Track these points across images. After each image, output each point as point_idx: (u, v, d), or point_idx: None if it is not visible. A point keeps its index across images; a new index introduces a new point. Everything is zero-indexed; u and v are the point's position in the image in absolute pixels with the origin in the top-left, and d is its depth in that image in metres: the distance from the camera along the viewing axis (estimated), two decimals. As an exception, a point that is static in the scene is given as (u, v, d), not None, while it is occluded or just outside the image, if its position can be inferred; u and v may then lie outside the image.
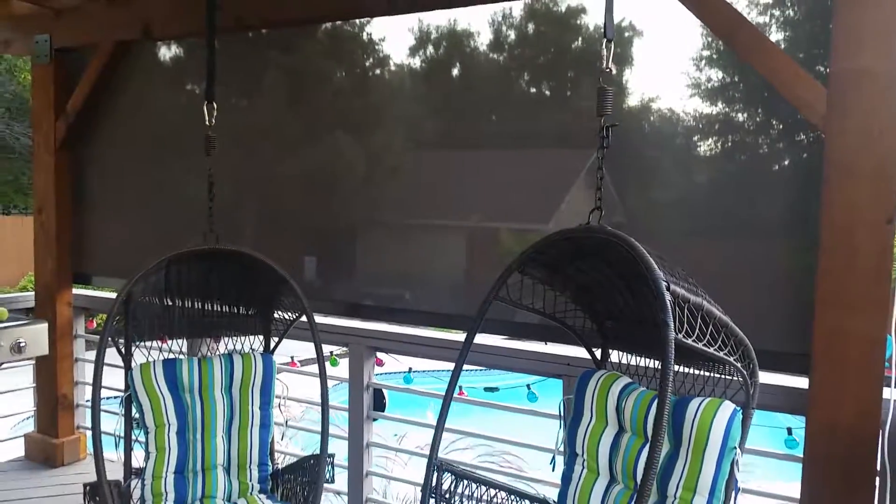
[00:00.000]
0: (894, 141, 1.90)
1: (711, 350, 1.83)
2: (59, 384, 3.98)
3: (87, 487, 2.35)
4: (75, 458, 4.05)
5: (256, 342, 2.90)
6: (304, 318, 2.68)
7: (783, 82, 2.07)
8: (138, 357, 2.71)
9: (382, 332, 3.13)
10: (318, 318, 3.17)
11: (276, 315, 2.89)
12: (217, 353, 2.92)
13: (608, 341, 2.41)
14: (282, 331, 2.88)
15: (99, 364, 2.46)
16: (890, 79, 1.91)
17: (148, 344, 2.77)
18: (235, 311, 2.96)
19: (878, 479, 2.03)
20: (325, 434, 2.51)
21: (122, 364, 3.64)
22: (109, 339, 2.51)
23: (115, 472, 2.45)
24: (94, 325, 4.50)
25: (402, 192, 3.07)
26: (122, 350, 2.67)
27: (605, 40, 1.88)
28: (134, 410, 2.63)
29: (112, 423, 2.67)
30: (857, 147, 1.94)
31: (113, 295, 3.33)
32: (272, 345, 2.91)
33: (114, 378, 3.41)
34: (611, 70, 1.90)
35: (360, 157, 3.14)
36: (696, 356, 2.08)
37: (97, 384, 2.43)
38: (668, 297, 1.61)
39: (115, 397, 2.73)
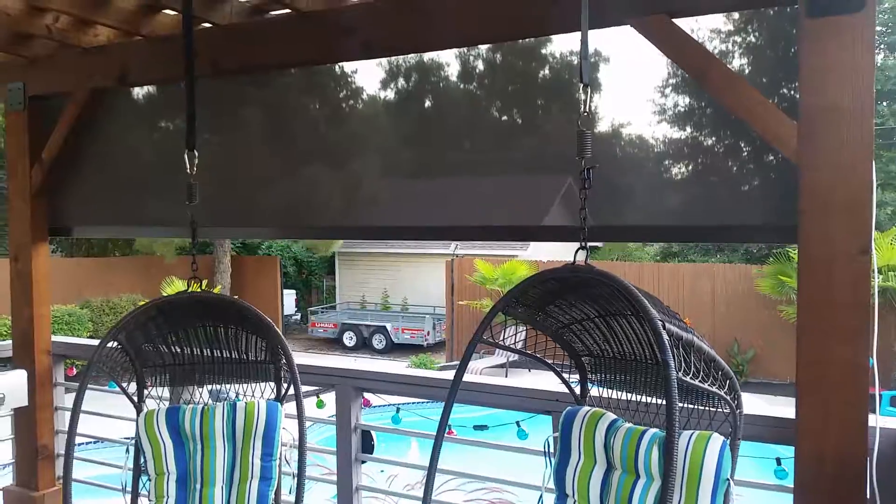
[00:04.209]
0: (867, 173, 1.95)
1: (705, 385, 1.86)
2: (38, 434, 3.89)
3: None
4: (57, 511, 3.96)
5: (267, 389, 2.85)
6: (302, 362, 2.66)
7: (756, 119, 2.12)
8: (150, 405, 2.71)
9: (369, 373, 3.12)
10: (305, 360, 3.16)
11: (283, 361, 2.82)
12: (225, 399, 2.88)
13: (587, 377, 2.43)
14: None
15: (76, 413, 2.46)
16: (859, 112, 1.96)
17: (158, 392, 2.76)
18: (245, 357, 2.91)
19: (867, 506, 2.05)
20: (300, 486, 2.45)
21: (103, 412, 3.63)
22: (119, 387, 2.52)
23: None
24: (75, 372, 4.42)
25: (380, 222, 3.08)
26: (135, 398, 2.66)
27: (581, 85, 1.92)
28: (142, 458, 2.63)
29: (108, 470, 2.65)
30: (832, 181, 1.98)
31: (96, 342, 3.30)
32: (283, 391, 2.82)
33: (107, 426, 3.38)
34: (588, 114, 1.93)
35: (336, 188, 3.15)
36: (683, 390, 2.10)
37: (72, 433, 2.43)
38: (666, 336, 1.63)
39: (117, 445, 2.71)
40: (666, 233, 2.67)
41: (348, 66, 3.13)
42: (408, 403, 3.52)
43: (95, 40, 3.37)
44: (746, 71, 2.34)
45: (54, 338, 3.96)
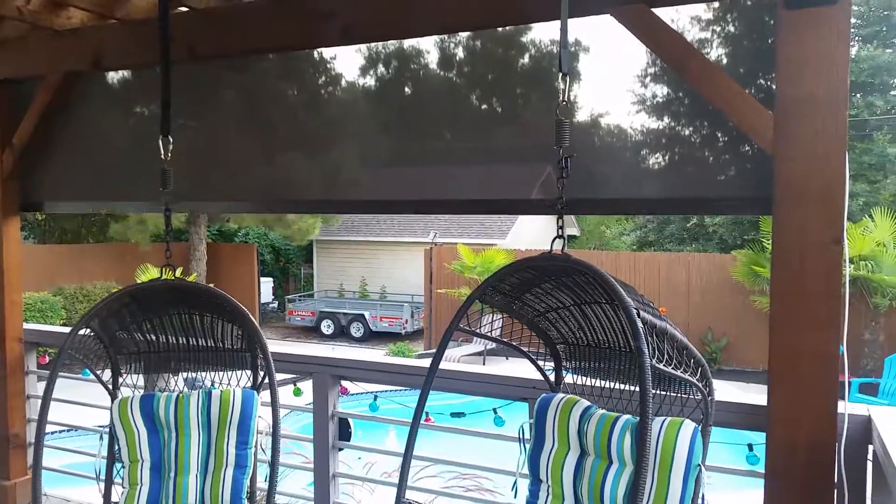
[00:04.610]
0: (841, 164, 1.98)
1: (678, 373, 1.88)
2: (10, 423, 3.84)
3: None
4: (28, 500, 3.91)
5: (244, 378, 2.83)
6: (279, 350, 2.65)
7: (733, 109, 2.13)
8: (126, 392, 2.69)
9: (347, 361, 3.12)
10: (283, 348, 3.14)
11: (259, 349, 2.80)
12: (201, 387, 2.86)
13: (562, 365, 2.45)
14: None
15: (46, 401, 2.44)
16: (833, 104, 1.99)
17: (132, 379, 2.74)
18: (221, 345, 2.89)
19: (835, 491, 2.10)
20: (273, 473, 2.44)
21: (77, 400, 3.59)
22: (93, 374, 2.51)
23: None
24: (47, 359, 4.37)
25: (358, 210, 3.07)
26: (110, 385, 2.64)
27: (560, 74, 1.92)
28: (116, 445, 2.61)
29: (83, 458, 2.63)
30: (806, 171, 2.00)
31: (69, 329, 3.26)
32: (259, 379, 2.80)
33: (81, 414, 3.34)
34: (567, 103, 1.94)
35: (314, 175, 3.13)
36: (656, 377, 2.12)
37: (42, 421, 2.41)
38: (640, 324, 1.65)
39: (91, 433, 2.69)
40: (643, 205, 2.65)
41: (327, 52, 3.10)
42: (386, 391, 3.53)
43: (68, 23, 3.30)
44: (724, 61, 2.36)
45: (26, 325, 3.91)
